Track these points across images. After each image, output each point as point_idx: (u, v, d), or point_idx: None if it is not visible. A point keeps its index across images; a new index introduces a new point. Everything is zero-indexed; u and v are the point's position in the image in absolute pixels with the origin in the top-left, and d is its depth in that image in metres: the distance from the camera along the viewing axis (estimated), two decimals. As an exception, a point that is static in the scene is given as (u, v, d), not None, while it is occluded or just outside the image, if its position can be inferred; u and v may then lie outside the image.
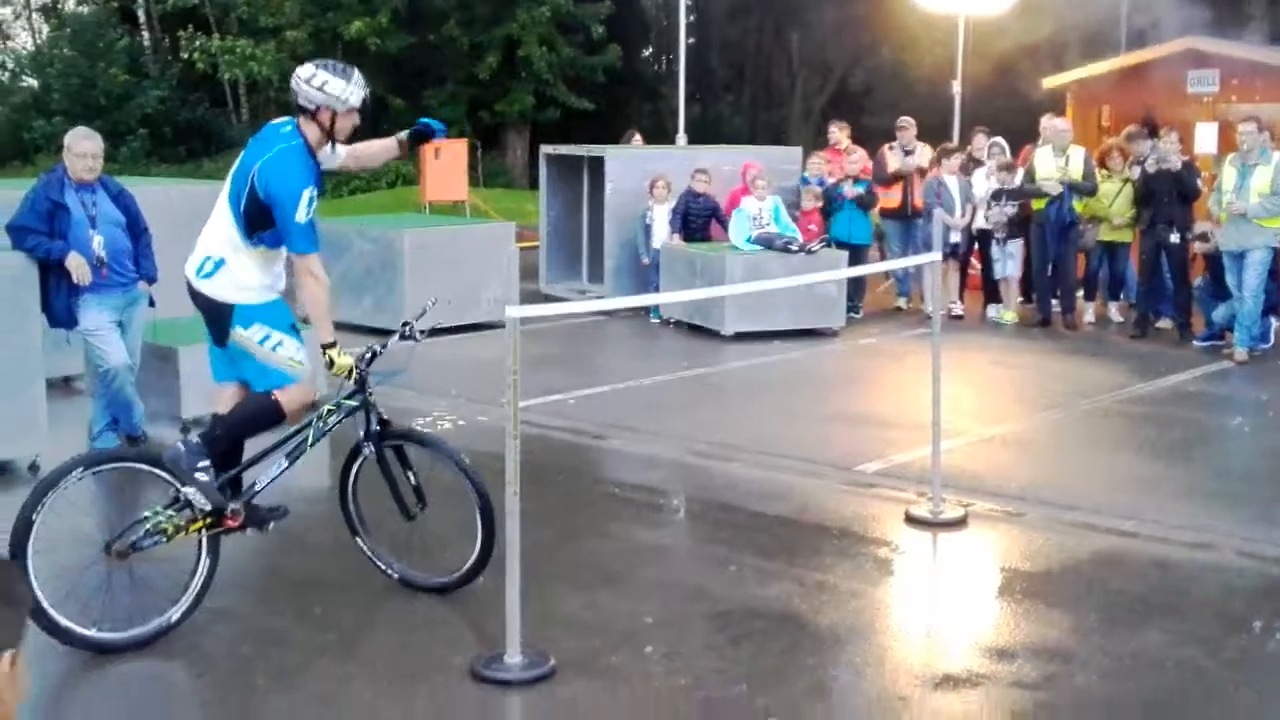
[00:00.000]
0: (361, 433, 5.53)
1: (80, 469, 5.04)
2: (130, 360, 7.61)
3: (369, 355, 5.42)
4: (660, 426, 8.83)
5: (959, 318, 13.40)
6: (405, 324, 5.55)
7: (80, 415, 8.14)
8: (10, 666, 1.54)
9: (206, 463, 5.22)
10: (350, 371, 5.25)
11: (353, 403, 5.45)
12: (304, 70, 5.34)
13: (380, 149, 5.87)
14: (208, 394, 8.26)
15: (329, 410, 5.48)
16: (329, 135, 5.35)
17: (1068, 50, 21.31)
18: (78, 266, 7.24)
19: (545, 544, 6.10)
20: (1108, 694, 4.80)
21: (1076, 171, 12.79)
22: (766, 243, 12.46)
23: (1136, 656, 5.12)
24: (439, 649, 5.12)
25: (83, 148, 7.46)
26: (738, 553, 6.30)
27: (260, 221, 5.22)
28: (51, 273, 7.32)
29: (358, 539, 5.76)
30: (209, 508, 5.21)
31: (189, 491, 5.18)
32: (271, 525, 5.46)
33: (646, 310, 13.15)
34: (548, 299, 14.27)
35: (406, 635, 5.25)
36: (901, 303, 14.32)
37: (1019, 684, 4.86)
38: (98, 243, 7.40)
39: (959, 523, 6.79)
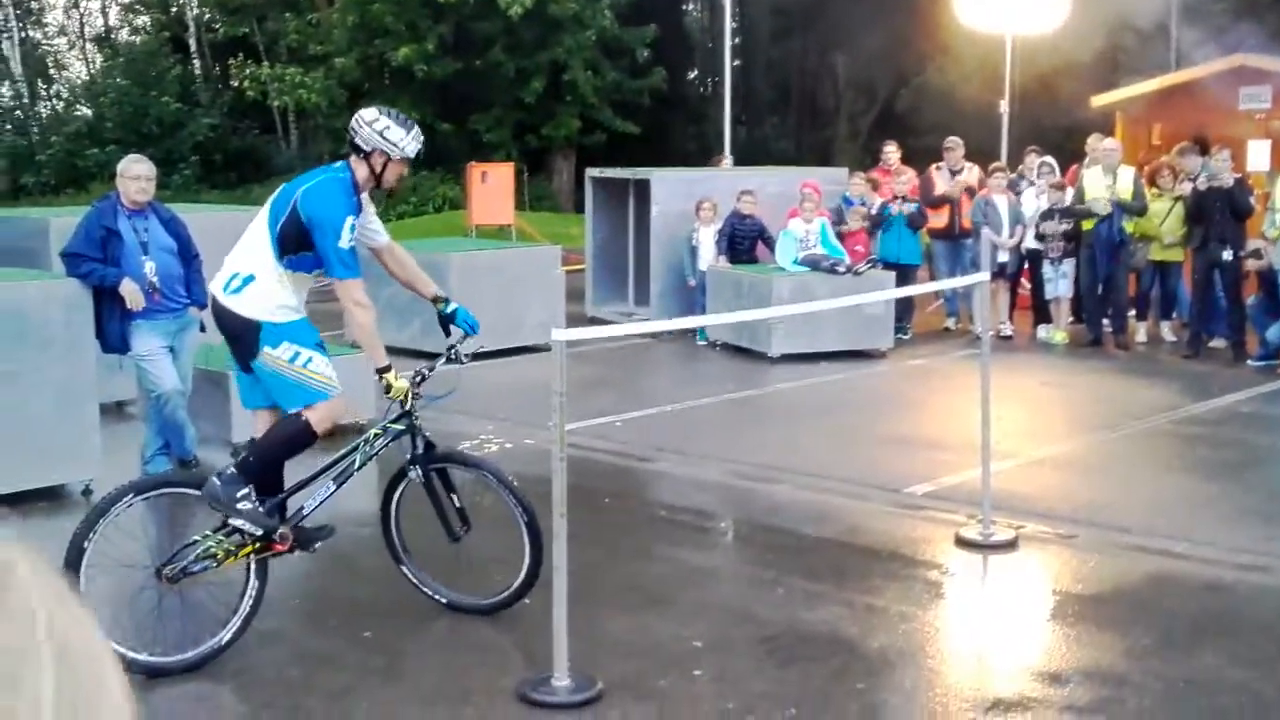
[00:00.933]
0: (408, 456, 5.56)
1: (132, 495, 5.09)
2: (182, 385, 7.69)
3: (417, 379, 5.46)
4: (707, 449, 8.81)
5: (1009, 338, 13.30)
6: (451, 348, 5.58)
7: (133, 440, 8.24)
8: None
9: (245, 490, 5.23)
10: (406, 395, 5.28)
11: (399, 426, 5.47)
12: (367, 113, 5.43)
13: (417, 275, 5.79)
14: (255, 419, 8.37)
15: (375, 434, 5.50)
16: (377, 180, 5.41)
17: (1117, 69, 21.16)
18: (131, 293, 7.33)
19: (593, 566, 6.09)
20: (1162, 718, 4.73)
21: (1125, 191, 12.68)
22: (813, 264, 12.43)
23: (1190, 680, 5.05)
24: (487, 672, 5.12)
25: (135, 171, 7.57)
26: (786, 575, 6.27)
27: (294, 244, 5.27)
28: (104, 299, 7.42)
29: (401, 567, 5.77)
30: (259, 533, 5.24)
31: (236, 522, 5.22)
32: (319, 545, 5.49)
33: (693, 332, 13.14)
34: (594, 321, 14.30)
35: (454, 658, 5.27)
36: (950, 323, 14.24)
37: (1071, 708, 4.80)
38: (150, 269, 7.49)
39: (1009, 545, 6.72)
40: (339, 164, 5.44)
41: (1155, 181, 13.00)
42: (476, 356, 5.64)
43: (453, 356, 5.56)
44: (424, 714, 4.75)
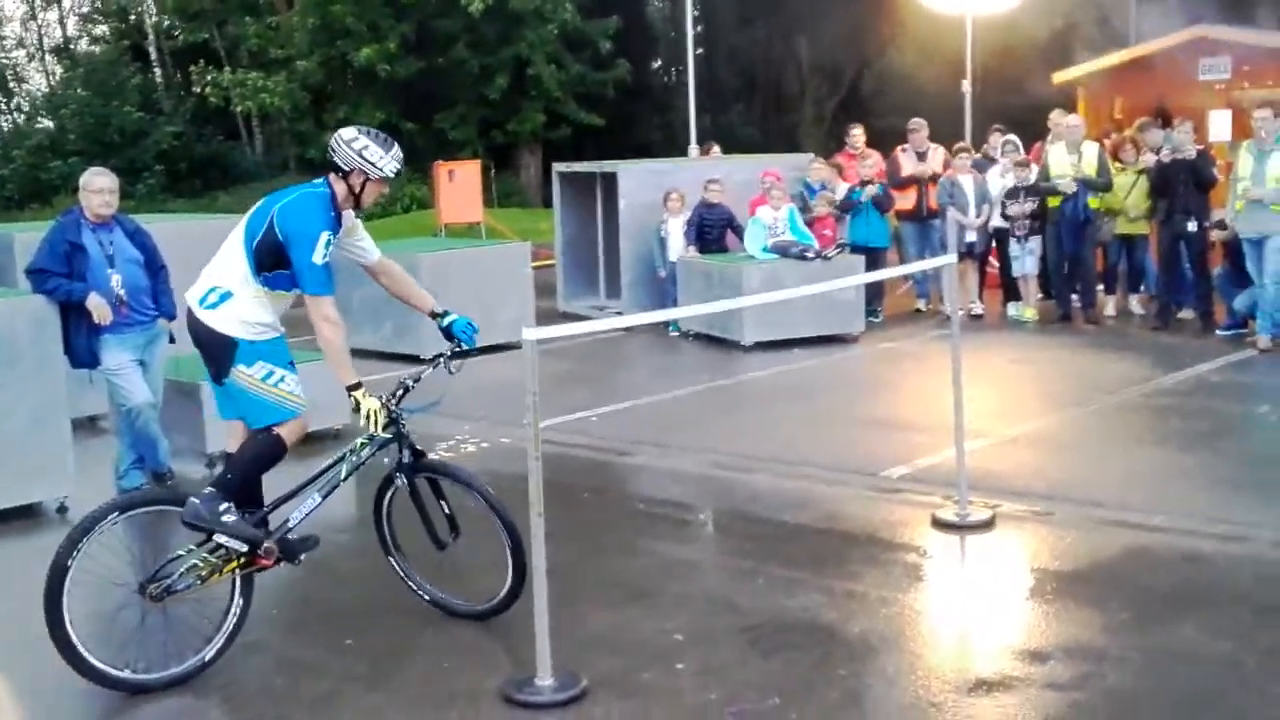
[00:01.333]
0: (394, 464, 5.54)
1: (116, 513, 5.07)
2: (153, 398, 7.65)
3: (401, 391, 5.42)
4: (683, 440, 8.83)
5: (979, 317, 13.37)
6: (439, 355, 5.54)
7: (106, 454, 8.19)
8: None
9: (227, 504, 5.21)
10: (374, 415, 5.20)
11: (385, 435, 5.43)
12: (346, 132, 5.41)
13: (413, 291, 5.77)
14: (230, 429, 8.33)
15: (362, 444, 5.48)
16: (356, 198, 5.38)
17: (1076, 45, 21.25)
18: (98, 307, 7.29)
19: (572, 563, 6.10)
20: (1143, 691, 4.78)
21: (1090, 167, 12.74)
22: (783, 251, 12.45)
23: (1171, 652, 5.09)
24: (471, 674, 5.12)
25: (97, 184, 7.51)
26: (765, 564, 6.30)
27: (269, 261, 5.25)
28: (72, 314, 7.38)
29: (390, 559, 5.76)
30: (244, 548, 5.22)
31: (221, 539, 5.20)
32: (304, 556, 5.47)
33: (665, 324, 13.16)
34: (566, 316, 14.30)
35: (437, 661, 5.26)
36: (921, 305, 14.30)
37: (1053, 685, 4.83)
38: (116, 282, 7.45)
39: (986, 525, 6.76)
40: (319, 180, 5.41)
41: (1118, 156, 13.06)
42: (454, 357, 5.60)
43: (441, 364, 5.52)
44: (409, 718, 4.75)
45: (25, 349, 7.32)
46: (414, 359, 11.58)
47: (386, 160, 5.33)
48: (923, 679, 4.94)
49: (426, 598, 5.71)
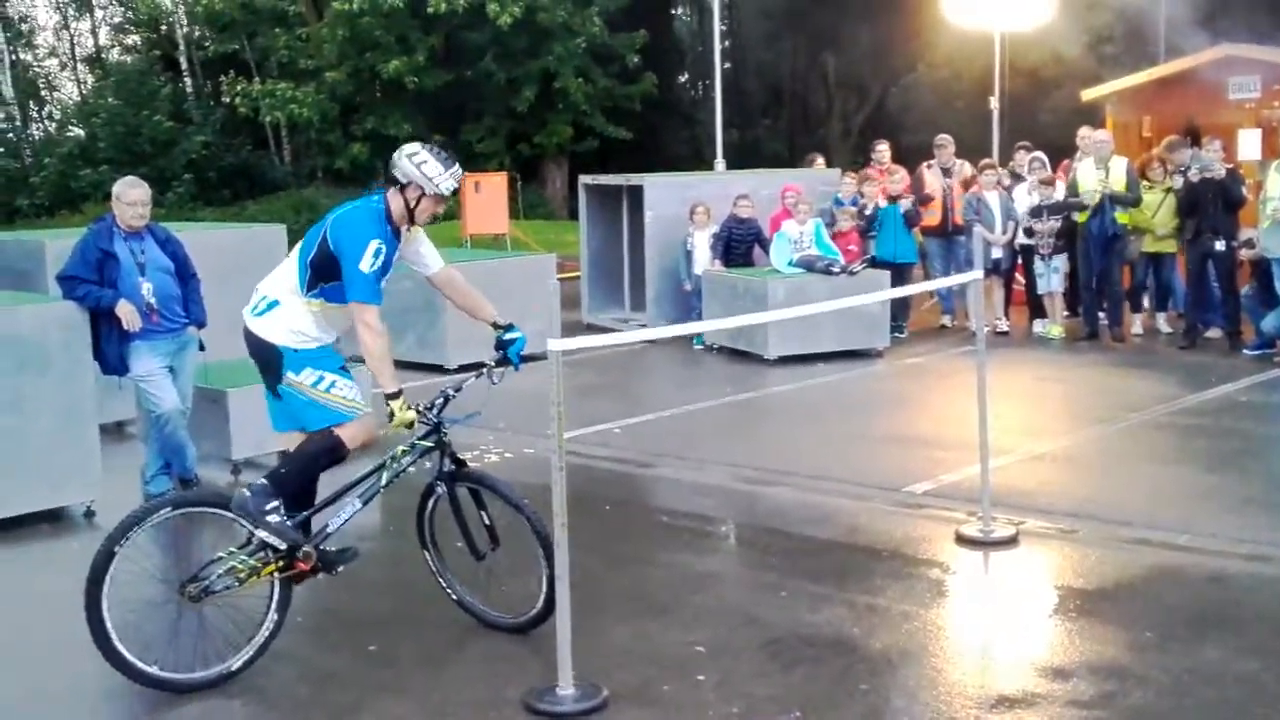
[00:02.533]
0: (435, 473, 5.58)
1: (169, 509, 5.18)
2: (182, 404, 7.70)
3: (442, 401, 5.45)
4: (707, 453, 8.84)
5: (1005, 334, 13.33)
6: (483, 365, 5.56)
7: (134, 460, 8.25)
8: None
9: (275, 503, 5.26)
10: (411, 425, 5.23)
11: (427, 443, 5.49)
12: (409, 146, 5.48)
13: (477, 301, 5.76)
14: (257, 436, 8.39)
15: (403, 451, 5.50)
16: (410, 213, 5.42)
17: (1105, 63, 21.22)
18: (128, 314, 7.35)
19: (595, 575, 6.11)
20: (1166, 711, 4.75)
21: (1118, 183, 12.70)
22: (808, 265, 12.45)
23: (1194, 672, 5.07)
24: (493, 684, 5.14)
25: (132, 196, 7.58)
26: (788, 578, 6.29)
27: (325, 274, 5.32)
28: (102, 321, 7.44)
29: (438, 578, 5.76)
30: (283, 547, 5.25)
31: (262, 534, 5.23)
32: (342, 568, 5.49)
33: (689, 337, 13.17)
34: (590, 328, 14.32)
35: (460, 670, 5.28)
36: (946, 321, 14.26)
37: (1075, 703, 4.82)
38: (147, 290, 7.51)
39: (1010, 541, 6.74)
40: (376, 194, 5.49)
41: (1146, 174, 13.03)
42: (471, 367, 5.63)
43: (484, 375, 5.52)
44: (431, 727, 4.77)
45: (55, 355, 7.39)
46: (438, 369, 11.64)
47: (444, 177, 5.36)
48: (944, 695, 4.93)
49: (463, 606, 5.71)
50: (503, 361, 5.60)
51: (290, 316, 5.37)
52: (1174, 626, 5.55)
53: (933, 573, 6.40)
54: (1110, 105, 16.19)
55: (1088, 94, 16.70)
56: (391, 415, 5.20)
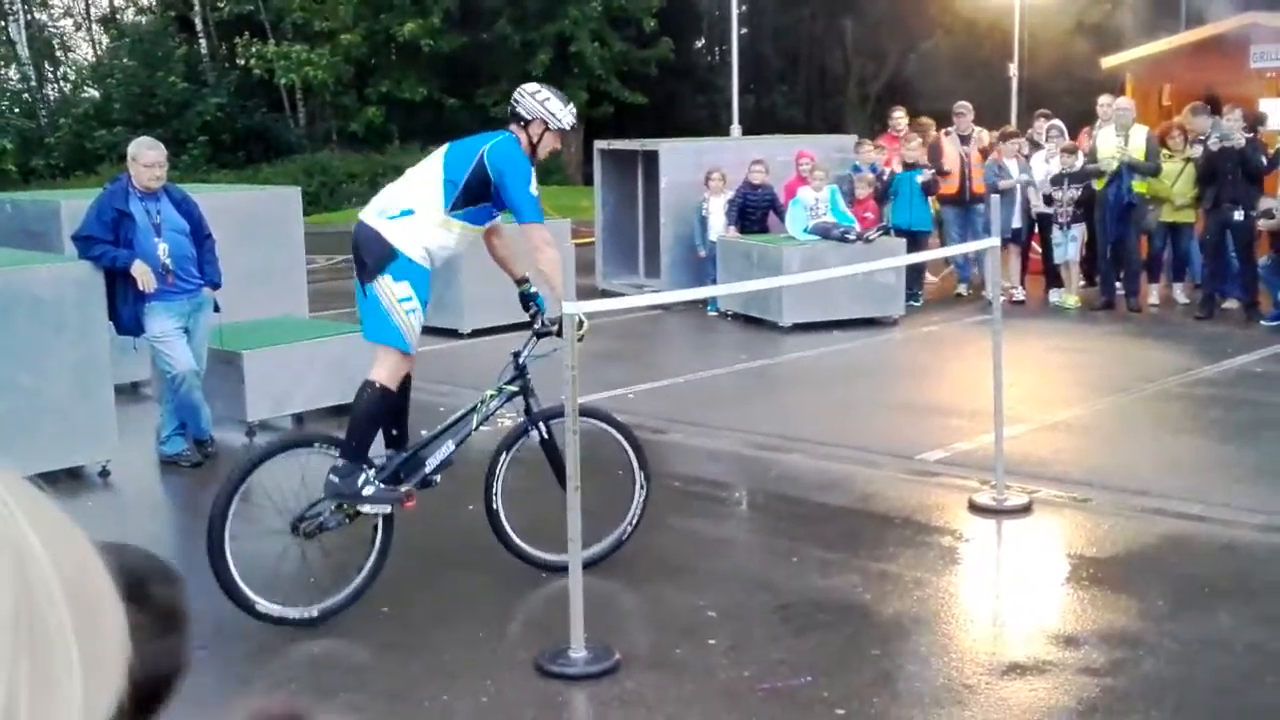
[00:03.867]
0: (527, 416, 5.81)
1: (288, 451, 5.43)
2: (196, 365, 7.72)
3: (526, 350, 5.75)
4: (720, 419, 8.84)
5: (1021, 303, 13.28)
6: (552, 322, 5.66)
7: (148, 420, 8.28)
8: None
9: (363, 475, 5.44)
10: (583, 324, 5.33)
11: (513, 388, 5.76)
12: (529, 86, 5.84)
13: (515, 254, 6.02)
14: (273, 398, 8.42)
15: (491, 395, 5.77)
16: (533, 149, 5.66)
17: (1126, 30, 21.03)
18: (143, 274, 7.36)
19: (622, 545, 6.13)
20: (1177, 679, 4.76)
21: (1138, 151, 12.62)
22: (824, 232, 12.41)
23: (1205, 641, 5.07)
24: (504, 645, 5.17)
25: (148, 157, 7.58)
26: (800, 544, 6.30)
27: (476, 196, 5.54)
28: (118, 281, 7.45)
29: (499, 516, 5.85)
30: (389, 509, 5.50)
31: (366, 509, 5.46)
32: (439, 477, 5.74)
33: (703, 303, 13.15)
34: (605, 294, 14.29)
35: (472, 631, 5.30)
36: (962, 289, 14.21)
37: (1087, 670, 4.82)
38: (163, 250, 7.51)
39: (1023, 510, 6.74)
40: (498, 133, 5.69)
41: (1166, 143, 12.94)
42: (484, 332, 5.78)
43: (548, 330, 5.70)
44: (443, 688, 4.79)
45: (70, 315, 7.41)
46: (453, 333, 11.65)
47: (565, 113, 5.70)
48: (955, 661, 4.94)
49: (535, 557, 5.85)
50: (535, 315, 5.86)
51: (422, 229, 5.52)
52: (1186, 595, 5.55)
53: (945, 540, 6.40)
54: (1130, 73, 16.06)
55: (1107, 61, 16.57)
56: (581, 323, 5.23)
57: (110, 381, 7.69)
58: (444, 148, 5.74)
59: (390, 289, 5.46)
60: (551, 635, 5.10)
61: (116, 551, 1.51)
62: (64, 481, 7.45)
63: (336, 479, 5.43)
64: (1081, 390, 9.68)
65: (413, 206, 5.54)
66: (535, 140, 5.67)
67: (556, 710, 4.70)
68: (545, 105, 5.65)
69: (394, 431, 5.74)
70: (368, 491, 5.44)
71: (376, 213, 5.58)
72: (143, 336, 7.60)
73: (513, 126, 5.69)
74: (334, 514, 5.49)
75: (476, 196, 5.57)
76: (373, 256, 5.51)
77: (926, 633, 5.22)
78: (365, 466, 5.49)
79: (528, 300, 5.93)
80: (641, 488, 6.06)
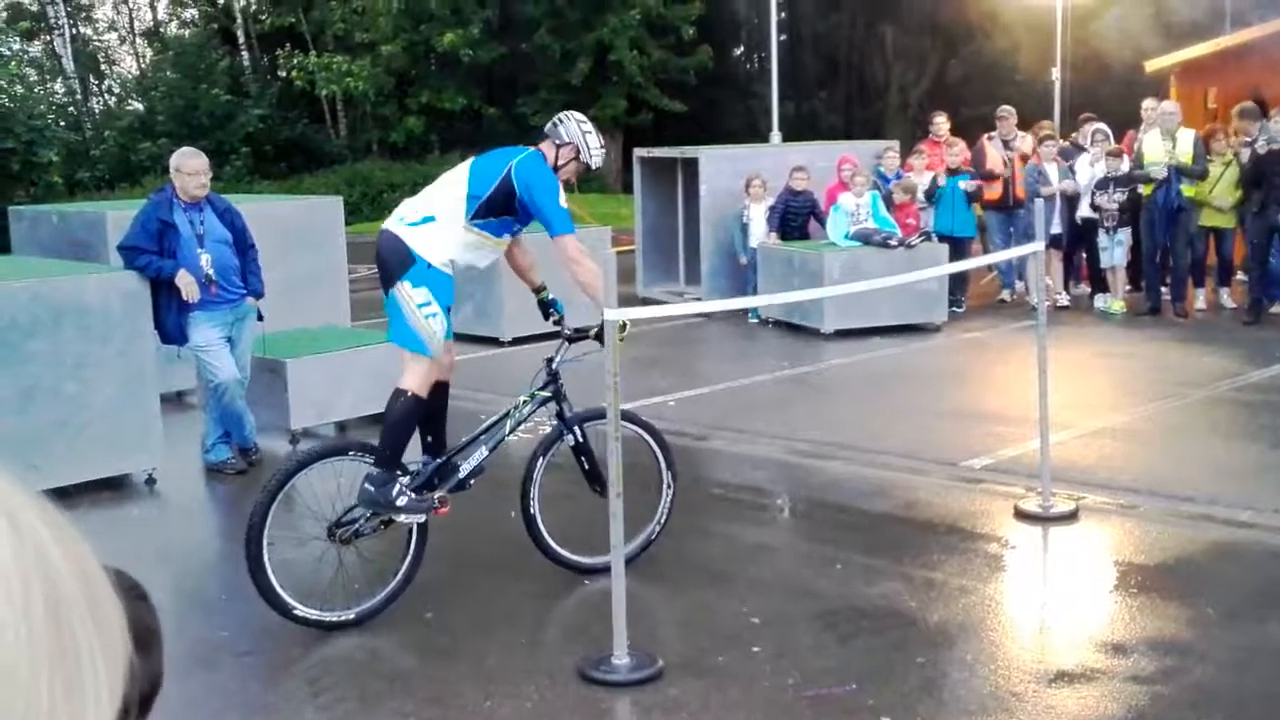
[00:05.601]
0: (561, 420, 5.84)
1: (325, 459, 5.48)
2: (240, 375, 7.77)
3: (563, 348, 5.79)
4: (762, 426, 8.80)
5: (1065, 308, 13.17)
6: (593, 329, 5.71)
7: (193, 429, 8.34)
8: None
9: (397, 485, 5.48)
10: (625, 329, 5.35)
11: (546, 394, 5.80)
12: (576, 114, 5.92)
13: (534, 264, 6.15)
14: (316, 406, 8.47)
15: (524, 400, 5.80)
16: (555, 169, 5.73)
17: (1170, 32, 20.84)
18: (187, 284, 7.41)
19: (650, 545, 6.11)
20: (1227, 687, 4.69)
21: (1185, 155, 12.49)
22: (865, 238, 12.36)
23: (1256, 649, 5.00)
24: (548, 651, 5.16)
25: (193, 166, 7.64)
26: (843, 551, 6.26)
27: (497, 209, 5.58)
28: (162, 291, 7.51)
29: (536, 520, 5.87)
30: (423, 519, 5.54)
31: (402, 519, 5.52)
32: (473, 480, 5.77)
33: (744, 310, 13.12)
34: (645, 302, 14.29)
35: (515, 638, 5.30)
36: (1006, 295, 14.11)
37: (1136, 679, 4.76)
38: (206, 260, 7.57)
39: (1070, 517, 6.67)
40: (525, 149, 5.74)
41: (1210, 146, 12.80)
42: (524, 340, 5.79)
43: (588, 336, 5.75)
44: (486, 694, 4.79)
45: (117, 324, 7.47)
46: (493, 341, 11.68)
47: (598, 150, 5.83)
48: (1002, 668, 4.89)
49: (574, 561, 5.90)
50: (559, 321, 5.95)
51: (443, 236, 5.55)
52: (1236, 603, 5.47)
53: (991, 547, 6.34)
54: (1174, 77, 15.91)
55: (1152, 65, 16.43)
56: (624, 327, 5.24)
57: (156, 390, 7.75)
58: (469, 160, 5.79)
59: (409, 295, 5.49)
60: (594, 641, 5.09)
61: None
62: (110, 489, 7.52)
63: (371, 488, 5.47)
64: (1127, 396, 9.59)
65: (434, 214, 5.59)
66: (562, 163, 5.74)
67: (600, 717, 4.68)
68: (586, 136, 5.75)
69: (429, 438, 5.76)
70: (401, 501, 5.49)
71: (399, 220, 5.63)
72: (187, 346, 7.66)
73: (544, 144, 5.76)
74: (369, 520, 5.55)
75: (499, 209, 5.61)
76: (393, 262, 5.56)
77: (972, 640, 5.17)
78: (399, 475, 5.52)
79: (547, 307, 6.00)
80: (669, 487, 6.11)
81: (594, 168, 5.88)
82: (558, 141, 5.73)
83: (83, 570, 0.77)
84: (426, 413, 5.65)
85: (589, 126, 5.81)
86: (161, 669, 1.50)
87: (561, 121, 5.78)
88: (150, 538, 6.85)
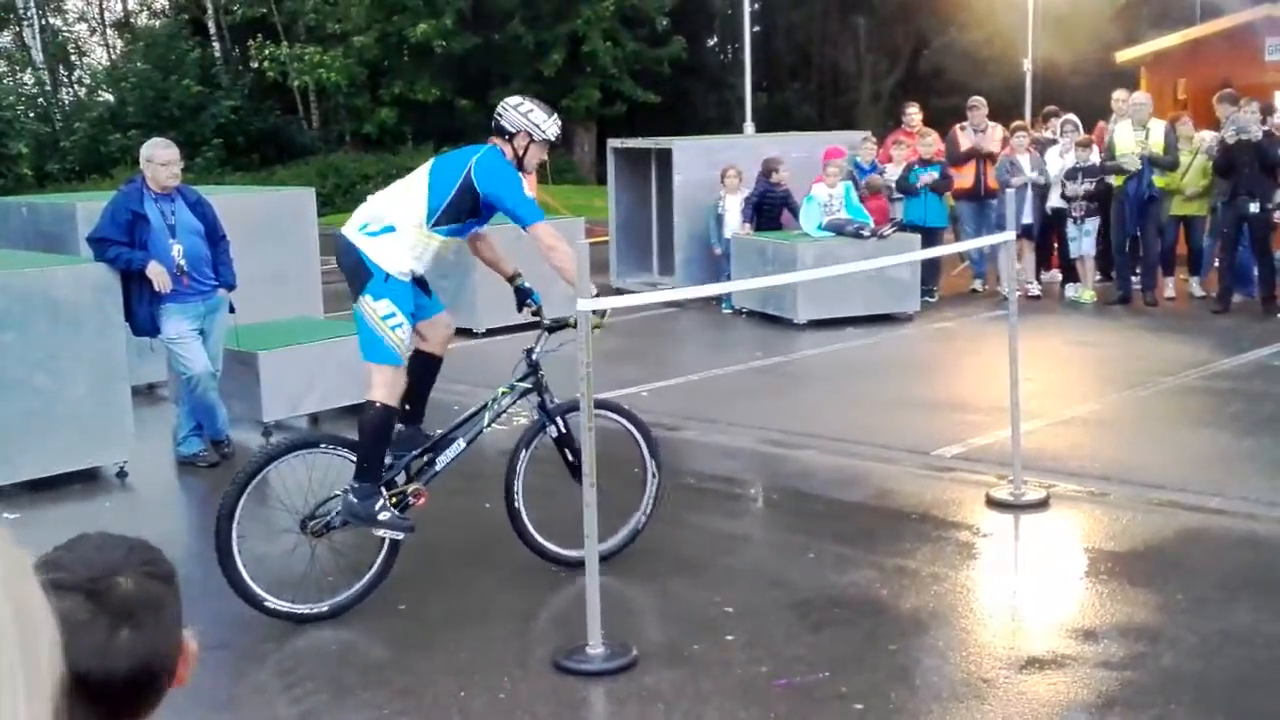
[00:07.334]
0: (543, 412, 5.81)
1: (296, 451, 5.46)
2: (212, 367, 7.74)
3: (541, 338, 5.76)
4: (735, 416, 8.83)
5: (1036, 298, 13.24)
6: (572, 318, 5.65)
7: (165, 421, 8.31)
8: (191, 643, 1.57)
9: (380, 500, 5.46)
10: (604, 315, 5.41)
11: (526, 385, 5.77)
12: (512, 99, 5.79)
13: (501, 255, 6.12)
14: (289, 398, 8.44)
15: (503, 392, 5.78)
16: (519, 162, 5.63)
17: (1140, 24, 20.96)
18: (158, 275, 7.38)
19: (638, 536, 6.12)
20: (1196, 673, 4.73)
21: (1157, 145, 12.57)
22: (838, 229, 12.39)
23: (1225, 635, 5.05)
24: (522, 642, 5.17)
25: (164, 156, 7.60)
26: (816, 540, 6.29)
27: (463, 212, 5.54)
28: (133, 282, 7.47)
29: (520, 514, 5.86)
30: (401, 536, 5.52)
31: (381, 533, 5.50)
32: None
33: (718, 301, 13.13)
34: (619, 293, 14.29)
35: (489, 629, 5.30)
36: (977, 285, 14.17)
37: (1105, 664, 4.80)
38: (177, 251, 7.53)
39: (1041, 504, 6.71)
40: (483, 147, 5.66)
41: (1175, 131, 12.88)
42: (497, 331, 5.77)
43: (564, 324, 5.69)
44: (460, 685, 4.79)
45: (87, 316, 7.43)
46: (467, 333, 11.66)
47: (549, 124, 5.66)
48: (974, 655, 4.92)
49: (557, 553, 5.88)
50: (537, 311, 5.89)
51: (402, 245, 5.50)
52: (1205, 589, 5.53)
53: (962, 535, 6.38)
54: (1144, 67, 16.01)
55: (1122, 56, 16.53)
56: (603, 315, 5.32)
57: (127, 383, 7.71)
58: (429, 163, 5.72)
59: (372, 308, 5.45)
60: (569, 632, 5.10)
61: (95, 544, 1.53)
62: (81, 482, 7.48)
63: (354, 500, 5.44)
64: (1098, 384, 9.65)
65: (394, 223, 5.51)
66: (521, 153, 5.64)
67: (574, 707, 4.70)
68: (529, 117, 5.62)
69: (407, 406, 5.72)
70: (384, 516, 5.47)
71: (358, 228, 5.54)
72: (159, 338, 7.62)
73: (497, 140, 5.65)
74: (341, 513, 5.52)
75: (465, 213, 5.57)
76: (350, 274, 5.53)
77: (944, 627, 5.20)
78: (382, 489, 5.51)
79: (523, 295, 5.95)
80: (654, 477, 6.11)
81: (554, 139, 5.71)
82: (507, 134, 5.63)
83: (11, 594, 0.77)
84: (414, 381, 5.65)
85: (528, 105, 5.68)
86: (169, 642, 1.50)
87: (501, 115, 5.65)
88: (121, 531, 6.77)
